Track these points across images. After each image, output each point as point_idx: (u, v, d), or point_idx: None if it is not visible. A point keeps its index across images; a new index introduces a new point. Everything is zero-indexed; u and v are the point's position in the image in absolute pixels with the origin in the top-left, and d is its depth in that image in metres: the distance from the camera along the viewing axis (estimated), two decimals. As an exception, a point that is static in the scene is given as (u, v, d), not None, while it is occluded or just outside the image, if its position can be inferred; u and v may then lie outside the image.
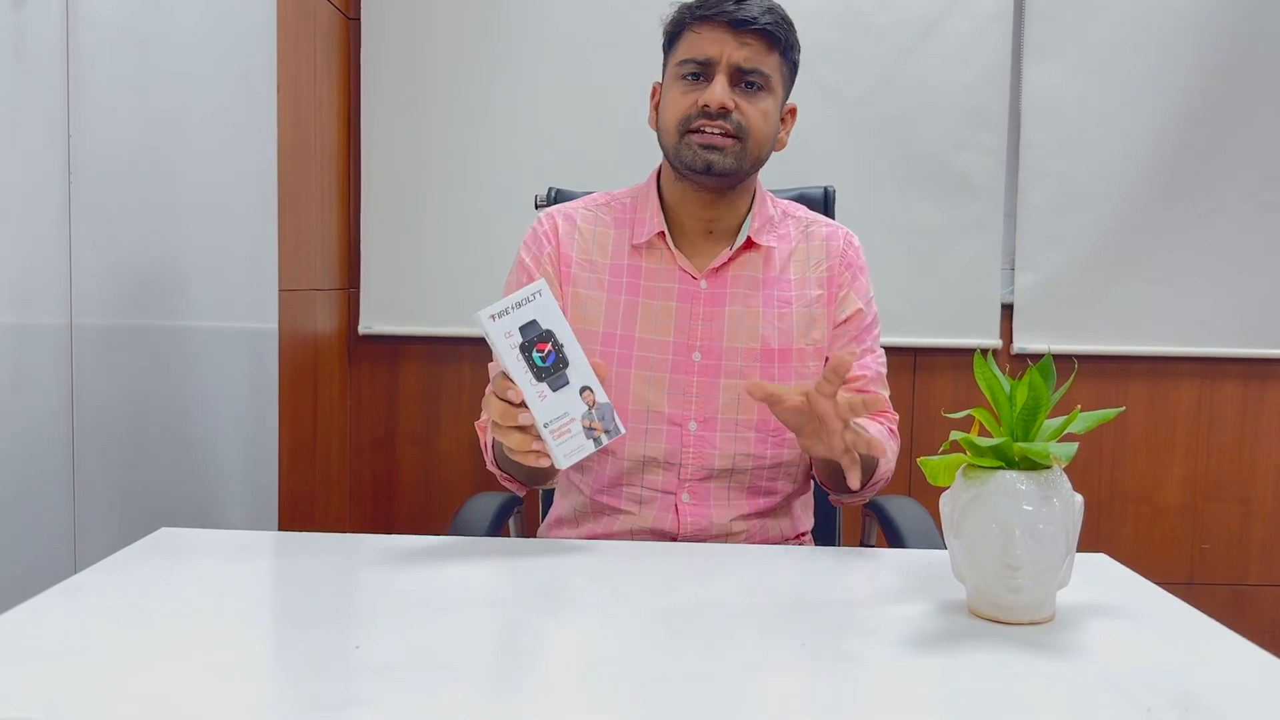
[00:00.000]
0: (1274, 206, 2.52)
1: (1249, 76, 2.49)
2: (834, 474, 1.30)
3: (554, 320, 1.05)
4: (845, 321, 1.44)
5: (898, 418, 1.48)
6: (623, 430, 1.11)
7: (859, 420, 1.35)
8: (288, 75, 2.10)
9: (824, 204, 1.72)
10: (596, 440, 1.08)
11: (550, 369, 1.05)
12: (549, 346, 1.05)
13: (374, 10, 2.50)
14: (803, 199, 1.69)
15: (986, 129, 2.49)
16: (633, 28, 2.43)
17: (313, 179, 2.31)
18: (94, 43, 1.37)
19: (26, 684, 0.77)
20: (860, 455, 1.20)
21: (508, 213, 2.41)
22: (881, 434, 1.40)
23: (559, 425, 1.06)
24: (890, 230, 2.49)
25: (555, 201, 1.74)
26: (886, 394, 1.45)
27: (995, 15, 2.47)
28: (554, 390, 1.06)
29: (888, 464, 1.39)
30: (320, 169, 2.36)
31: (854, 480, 1.17)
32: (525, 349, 1.04)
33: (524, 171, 2.46)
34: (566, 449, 1.07)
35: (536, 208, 1.82)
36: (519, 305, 1.04)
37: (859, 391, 1.42)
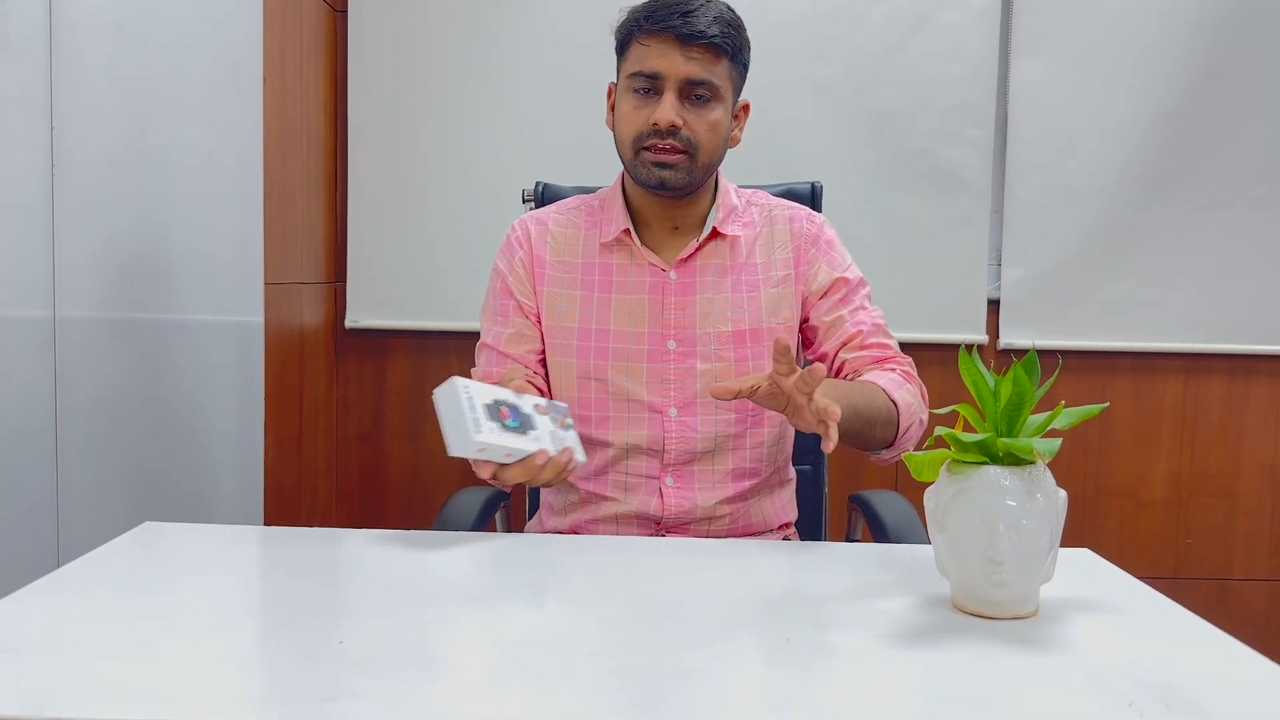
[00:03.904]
0: (1261, 203, 2.53)
1: (1237, 72, 2.49)
2: (852, 438, 1.29)
3: (497, 394, 1.18)
4: (828, 292, 1.45)
5: (910, 360, 1.45)
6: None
7: (868, 376, 1.38)
8: (274, 67, 2.09)
9: (811, 199, 1.72)
10: (568, 429, 1.26)
11: (520, 425, 1.18)
12: (507, 413, 1.17)
13: (361, 1, 2.49)
14: (790, 194, 1.69)
15: (974, 124, 2.49)
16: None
17: (299, 172, 2.30)
18: (78, 32, 1.35)
19: (8, 678, 0.77)
20: (860, 418, 1.25)
21: (495, 207, 2.40)
22: (894, 383, 1.36)
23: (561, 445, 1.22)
24: (877, 225, 2.49)
25: (543, 195, 1.75)
26: (892, 343, 1.46)
27: (984, 10, 2.47)
28: (534, 430, 1.20)
29: (912, 414, 1.35)
30: (306, 162, 2.35)
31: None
32: (493, 417, 1.15)
33: (511, 165, 2.45)
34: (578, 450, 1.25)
35: (524, 201, 1.82)
36: (474, 415, 1.13)
37: (860, 347, 1.43)
